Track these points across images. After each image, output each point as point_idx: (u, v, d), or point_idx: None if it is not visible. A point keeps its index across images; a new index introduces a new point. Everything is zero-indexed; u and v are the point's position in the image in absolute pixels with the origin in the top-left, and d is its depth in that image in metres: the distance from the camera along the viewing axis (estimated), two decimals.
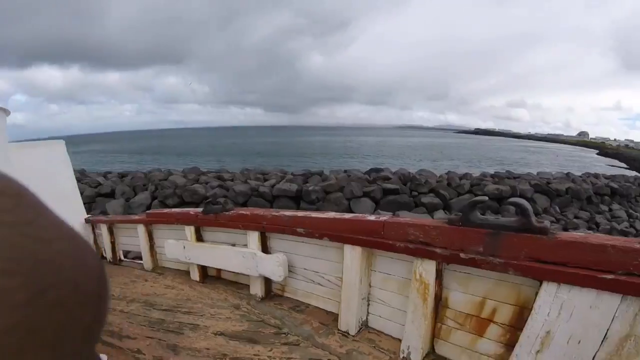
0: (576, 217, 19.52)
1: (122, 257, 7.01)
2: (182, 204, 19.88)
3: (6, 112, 4.43)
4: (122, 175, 28.68)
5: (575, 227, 17.10)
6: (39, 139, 8.29)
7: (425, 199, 19.65)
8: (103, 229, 6.96)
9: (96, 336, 0.41)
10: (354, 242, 3.73)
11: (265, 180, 24.26)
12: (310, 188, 20.27)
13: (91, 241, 7.16)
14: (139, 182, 24.63)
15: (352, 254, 3.75)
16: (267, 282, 4.76)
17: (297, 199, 20.37)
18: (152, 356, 3.88)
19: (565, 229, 15.78)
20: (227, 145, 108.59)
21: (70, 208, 7.05)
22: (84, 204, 7.74)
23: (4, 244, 0.32)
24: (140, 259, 6.73)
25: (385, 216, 3.75)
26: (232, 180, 24.38)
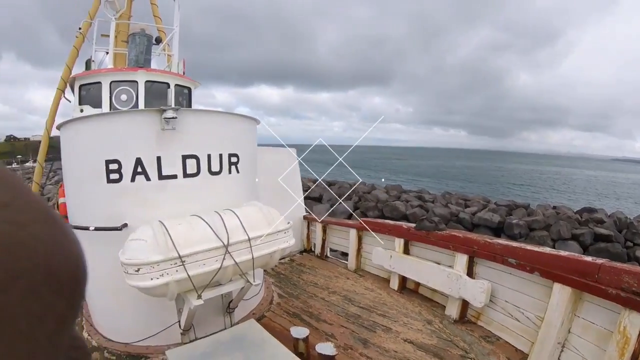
0: None
1: (328, 254, 7.72)
2: (381, 217, 20.64)
3: (257, 121, 5.37)
4: (329, 184, 31.40)
5: None
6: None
7: None
8: (317, 227, 7.85)
9: (72, 321, 0.40)
10: (565, 281, 3.56)
11: (467, 206, 23.39)
12: (514, 221, 18.70)
13: (304, 235, 8.11)
14: (345, 192, 26.53)
15: (561, 294, 3.59)
16: (464, 305, 4.76)
17: (498, 231, 18.97)
18: (344, 343, 4.30)
19: None
20: (428, 166, 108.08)
21: (294, 204, 8.14)
22: None
23: None
24: (342, 258, 7.36)
25: (600, 259, 3.49)
26: (432, 202, 24.24)
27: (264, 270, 5.61)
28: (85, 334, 4.76)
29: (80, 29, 8.71)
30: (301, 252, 8.03)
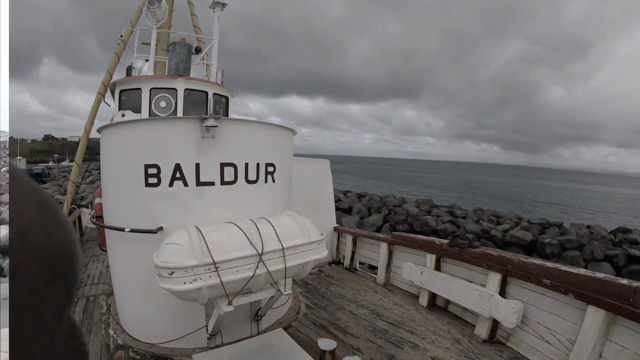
0: None
1: (357, 267, 7.67)
2: (411, 232, 20.43)
3: (293, 132, 5.42)
4: (360, 196, 31.39)
5: None
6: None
7: None
8: (348, 239, 7.81)
9: (68, 310, 0.40)
10: (599, 303, 3.50)
11: (499, 223, 22.89)
12: (547, 240, 18.29)
13: (334, 247, 8.11)
14: (375, 205, 26.44)
15: (595, 317, 3.52)
16: (494, 326, 4.63)
17: (530, 250, 18.59)
18: (370, 358, 4.24)
19: None
20: (459, 181, 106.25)
21: (325, 215, 8.17)
22: None
23: None
24: (371, 271, 7.29)
25: (637, 282, 3.42)
26: (464, 217, 23.80)
27: (293, 280, 5.62)
28: (111, 332, 4.84)
29: (121, 36, 9.04)
30: (330, 264, 7.99)
